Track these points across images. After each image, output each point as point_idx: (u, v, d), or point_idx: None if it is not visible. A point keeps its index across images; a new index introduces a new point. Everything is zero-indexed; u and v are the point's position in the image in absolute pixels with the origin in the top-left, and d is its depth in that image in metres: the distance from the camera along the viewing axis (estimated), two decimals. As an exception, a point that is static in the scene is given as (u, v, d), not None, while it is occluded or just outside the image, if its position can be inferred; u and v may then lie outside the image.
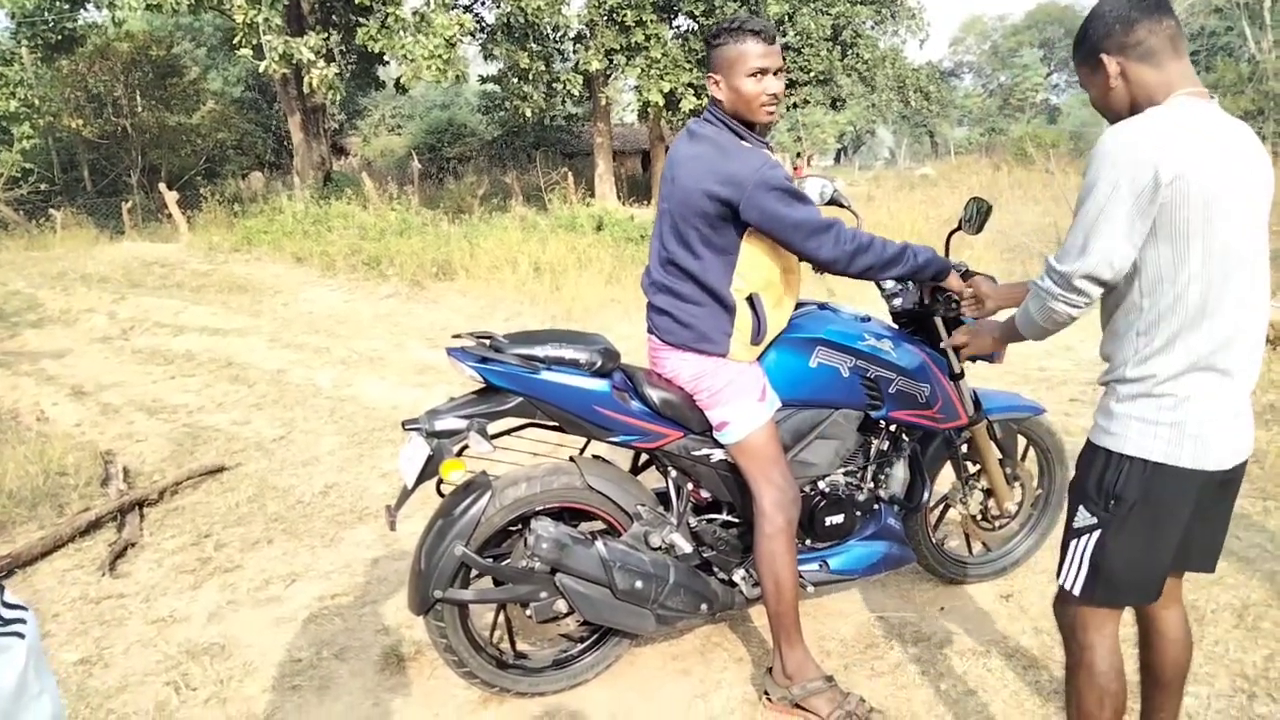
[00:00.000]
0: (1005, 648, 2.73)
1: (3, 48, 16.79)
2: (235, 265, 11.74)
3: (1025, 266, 9.44)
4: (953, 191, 16.97)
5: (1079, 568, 1.77)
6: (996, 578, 3.14)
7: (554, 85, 16.82)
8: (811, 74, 18.06)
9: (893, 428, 2.75)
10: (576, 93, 17.20)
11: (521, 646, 2.64)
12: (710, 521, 2.61)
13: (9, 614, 0.90)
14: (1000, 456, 2.96)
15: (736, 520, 2.63)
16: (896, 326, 2.79)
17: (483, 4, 18.05)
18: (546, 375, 2.32)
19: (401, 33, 13.31)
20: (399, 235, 11.76)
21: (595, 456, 2.61)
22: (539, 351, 2.34)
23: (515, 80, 16.76)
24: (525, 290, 9.28)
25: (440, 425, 2.23)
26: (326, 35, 14.55)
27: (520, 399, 2.31)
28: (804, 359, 2.51)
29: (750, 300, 2.35)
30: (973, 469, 3.00)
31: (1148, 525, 1.69)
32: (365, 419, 5.44)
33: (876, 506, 2.77)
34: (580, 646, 2.64)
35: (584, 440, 2.55)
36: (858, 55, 18.81)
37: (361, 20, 14.23)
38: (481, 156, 25.81)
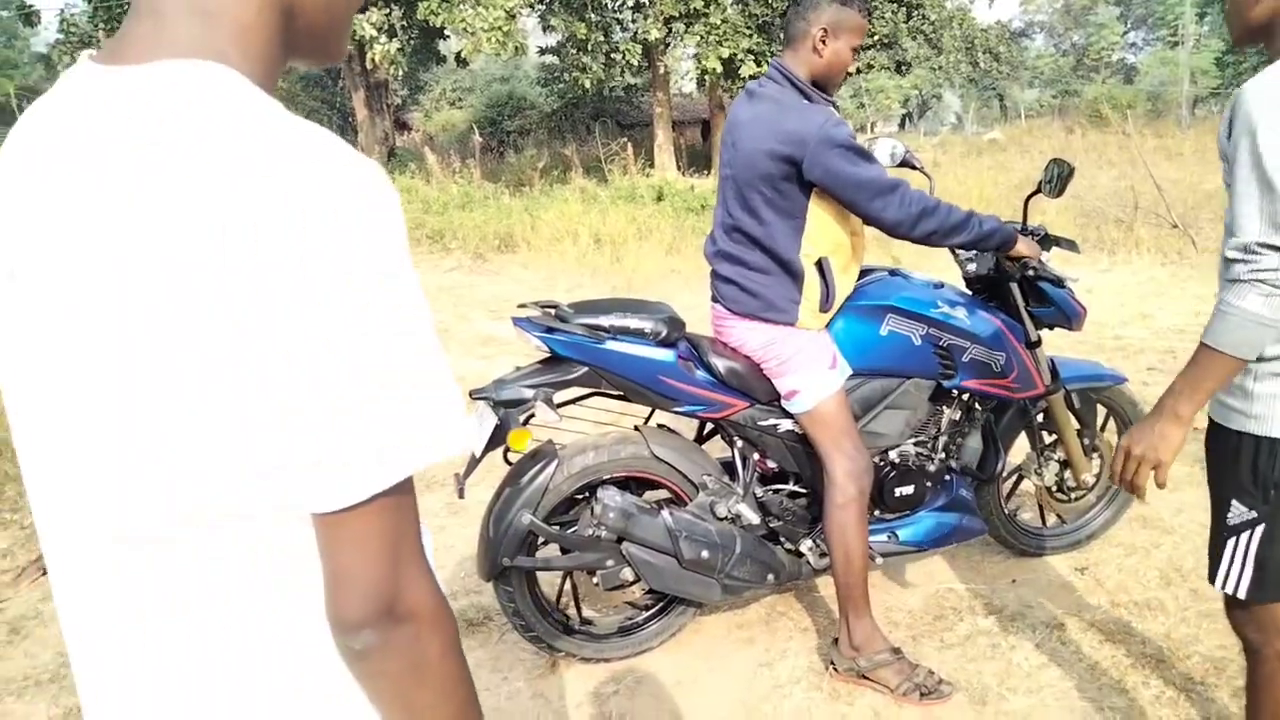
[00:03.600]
0: (1081, 621, 2.67)
1: (82, 30, 17.34)
2: (303, 240, 11.98)
3: (1100, 232, 9.12)
4: (1023, 156, 16.45)
5: (1241, 568, 1.63)
6: (1070, 550, 3.07)
7: (613, 55, 16.69)
8: (875, 37, 17.59)
9: (966, 397, 2.69)
10: (635, 62, 17.06)
11: (588, 613, 2.67)
12: (777, 492, 2.59)
13: None
14: (1079, 427, 2.88)
15: (803, 490, 2.61)
16: (970, 293, 2.72)
17: (541, -25, 17.99)
18: (612, 345, 2.32)
19: (461, 5, 13.34)
20: (461, 209, 11.87)
21: (660, 426, 2.61)
22: (604, 321, 2.34)
23: (574, 51, 16.68)
24: (586, 262, 9.30)
25: (507, 395, 2.25)
26: (388, 10, 14.67)
27: (586, 369, 2.31)
28: (874, 327, 2.46)
29: (819, 265, 2.31)
30: (1049, 439, 2.92)
31: None
32: (431, 390, 5.52)
33: (948, 477, 2.72)
34: (645, 614, 2.66)
35: (649, 409, 2.55)
36: (923, 16, 18.25)
37: (422, -6, 14.31)
38: (541, 129, 25.81)
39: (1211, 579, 1.69)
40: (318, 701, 0.75)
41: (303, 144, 0.64)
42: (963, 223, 2.28)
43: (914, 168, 2.75)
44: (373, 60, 14.08)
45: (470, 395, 2.32)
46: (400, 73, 15.10)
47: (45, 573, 3.11)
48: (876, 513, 2.68)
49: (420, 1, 13.94)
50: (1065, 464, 2.92)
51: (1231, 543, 1.63)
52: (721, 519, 2.48)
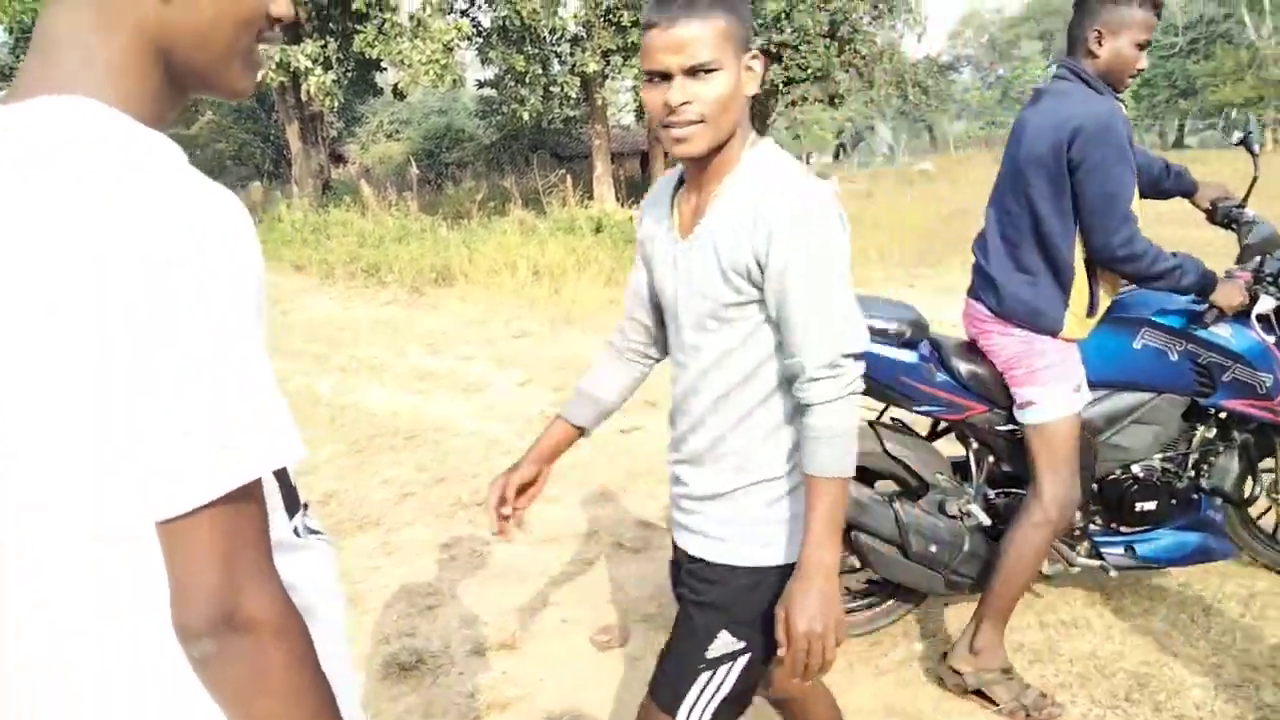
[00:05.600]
0: (1010, 642, 2.68)
1: (3, 64, 16.87)
2: (236, 275, 11.73)
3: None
4: (953, 186, 16.94)
5: (710, 700, 1.48)
6: None
7: (551, 88, 16.79)
8: (809, 71, 18.01)
9: (1223, 416, 2.65)
10: (573, 95, 17.18)
11: None
12: (1006, 494, 2.61)
13: (313, 528, 0.93)
14: None
15: None
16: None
17: (479, 8, 18.05)
18: None
19: (399, 38, 13.31)
20: (398, 242, 11.76)
21: (892, 420, 2.64)
22: None
23: (512, 84, 16.73)
24: (525, 294, 9.27)
25: None
26: (324, 43, 14.57)
27: None
28: (1127, 340, 2.49)
29: (1089, 265, 2.32)
30: None
31: None
32: (366, 426, 5.42)
33: (1195, 496, 2.66)
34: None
35: (882, 404, 2.59)
36: (855, 51, 18.73)
37: (359, 27, 14.23)
38: (479, 161, 25.79)
39: (673, 712, 1.50)
40: None
41: (170, 173, 0.69)
42: (1162, 274, 2.27)
43: (1252, 153, 2.73)
44: (307, 92, 13.95)
45: None
46: (336, 105, 14.97)
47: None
48: (1113, 525, 2.68)
49: (357, 34, 13.87)
50: None
51: (705, 676, 1.48)
52: (951, 516, 2.51)
